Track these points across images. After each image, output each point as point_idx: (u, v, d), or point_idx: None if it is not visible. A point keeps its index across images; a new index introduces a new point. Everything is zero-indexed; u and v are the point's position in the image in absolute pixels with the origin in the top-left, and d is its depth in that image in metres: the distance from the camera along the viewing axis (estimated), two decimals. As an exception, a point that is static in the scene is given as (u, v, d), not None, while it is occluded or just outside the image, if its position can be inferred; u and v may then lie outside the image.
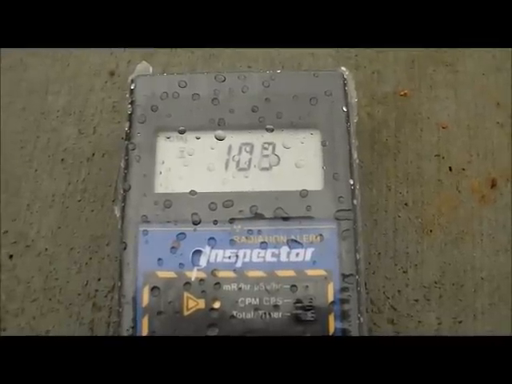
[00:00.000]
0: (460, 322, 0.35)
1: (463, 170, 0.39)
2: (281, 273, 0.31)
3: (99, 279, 0.36)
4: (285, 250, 0.31)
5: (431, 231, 0.37)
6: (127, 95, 0.34)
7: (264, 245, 0.31)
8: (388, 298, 0.36)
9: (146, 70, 0.35)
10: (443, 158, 0.39)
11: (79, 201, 0.38)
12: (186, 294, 0.30)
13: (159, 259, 0.31)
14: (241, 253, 0.31)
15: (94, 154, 0.39)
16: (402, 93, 0.40)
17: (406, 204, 0.38)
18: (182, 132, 0.33)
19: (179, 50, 0.41)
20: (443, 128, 0.40)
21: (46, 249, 0.37)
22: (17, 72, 0.41)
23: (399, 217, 0.37)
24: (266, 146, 0.33)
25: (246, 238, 0.31)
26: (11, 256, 0.37)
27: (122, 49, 0.42)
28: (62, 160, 0.39)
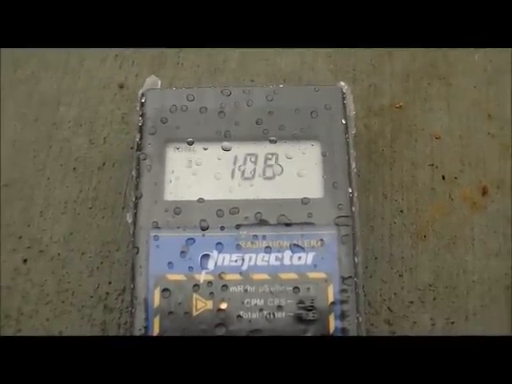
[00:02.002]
0: (453, 323, 0.36)
1: (455, 178, 0.40)
2: (284, 275, 0.32)
3: (110, 282, 0.37)
4: (288, 254, 0.32)
5: (425, 237, 0.38)
6: (137, 108, 0.36)
7: (268, 249, 0.32)
8: (384, 300, 0.37)
9: (155, 83, 0.36)
10: (436, 167, 0.40)
11: (90, 208, 0.39)
12: (194, 296, 0.32)
13: (169, 263, 0.32)
14: (246, 257, 0.32)
15: (104, 164, 0.40)
16: (397, 105, 0.42)
17: (401, 211, 0.39)
18: (190, 143, 0.34)
19: (185, 64, 0.43)
20: (436, 138, 0.41)
21: (59, 253, 0.38)
22: (29, 85, 0.43)
23: (395, 223, 0.39)
24: (270, 156, 0.34)
25: (252, 242, 0.33)
26: (25, 260, 0.38)
27: (131, 63, 0.43)
28: (74, 169, 0.40)
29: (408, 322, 0.37)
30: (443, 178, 0.40)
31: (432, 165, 0.40)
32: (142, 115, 0.35)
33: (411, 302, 0.37)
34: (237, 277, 0.32)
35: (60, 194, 0.40)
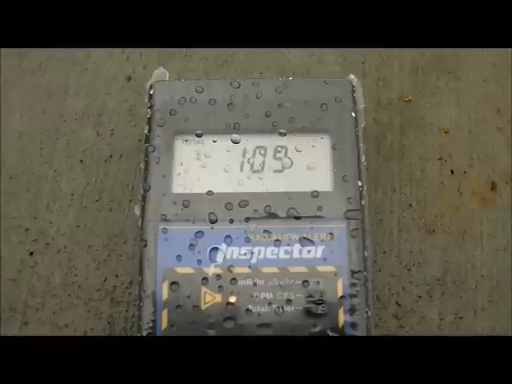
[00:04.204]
0: (461, 318, 0.37)
1: (464, 172, 0.40)
2: (293, 269, 0.32)
3: (117, 275, 0.37)
4: (297, 247, 0.32)
5: (434, 231, 0.38)
6: (146, 100, 0.35)
7: (277, 242, 0.32)
8: (393, 294, 0.37)
9: (163, 75, 0.36)
10: (445, 161, 0.40)
11: (97, 200, 0.39)
12: (203, 289, 0.32)
13: (178, 256, 0.32)
14: (255, 250, 0.32)
15: (111, 156, 0.40)
16: (406, 99, 0.41)
17: (410, 205, 0.39)
18: (199, 135, 0.34)
19: (193, 56, 0.42)
20: (445, 133, 0.41)
21: (66, 246, 0.38)
22: (36, 76, 0.42)
23: (403, 217, 0.38)
24: (279, 149, 0.34)
25: (261, 236, 0.32)
26: (32, 253, 0.38)
27: (139, 55, 0.43)
28: (81, 161, 0.40)
29: (416, 317, 0.37)
30: (452, 172, 0.40)
31: (441, 159, 0.40)
32: (151, 107, 0.35)
33: (419, 297, 0.37)
34: (246, 270, 0.32)
35: (67, 186, 0.40)
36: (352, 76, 0.36)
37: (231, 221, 0.33)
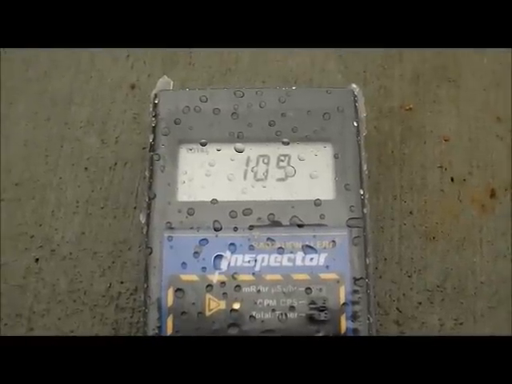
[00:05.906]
0: (461, 324, 0.37)
1: (464, 180, 0.40)
2: (296, 276, 0.32)
3: (122, 282, 0.38)
4: (300, 255, 0.33)
5: (434, 238, 0.39)
6: (151, 109, 0.36)
7: (281, 250, 0.33)
8: (394, 300, 0.37)
9: (167, 84, 0.37)
10: (445, 169, 0.40)
11: (102, 208, 0.39)
12: (208, 296, 0.32)
13: (183, 263, 0.32)
14: (259, 257, 0.33)
15: (116, 163, 0.40)
16: (407, 107, 0.42)
17: (410, 212, 0.39)
18: (203, 144, 0.35)
19: (197, 64, 0.43)
20: (446, 141, 0.41)
21: (71, 253, 0.38)
22: (41, 84, 0.43)
23: (404, 224, 0.39)
24: (282, 157, 0.35)
25: (264, 243, 0.33)
26: (37, 259, 0.38)
27: (143, 63, 0.43)
28: (86, 168, 0.40)
29: (417, 323, 0.37)
30: (452, 179, 0.40)
31: (441, 167, 0.40)
32: (155, 116, 0.35)
33: (420, 303, 0.37)
34: (250, 277, 0.32)
35: (72, 193, 0.40)
36: (354, 85, 0.36)
37: (235, 229, 0.33)
